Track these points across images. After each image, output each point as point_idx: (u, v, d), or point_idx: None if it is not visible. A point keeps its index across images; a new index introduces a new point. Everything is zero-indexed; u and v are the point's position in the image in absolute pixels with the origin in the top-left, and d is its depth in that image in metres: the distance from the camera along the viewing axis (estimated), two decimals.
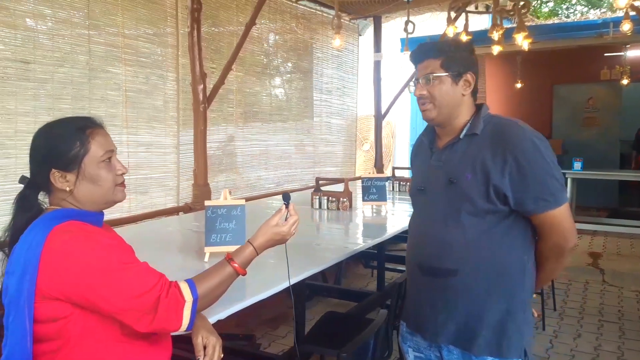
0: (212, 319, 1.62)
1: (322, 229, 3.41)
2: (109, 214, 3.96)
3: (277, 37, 6.18)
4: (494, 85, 9.07)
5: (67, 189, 1.26)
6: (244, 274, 1.36)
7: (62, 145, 1.25)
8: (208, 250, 2.31)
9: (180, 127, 4.70)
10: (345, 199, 3.75)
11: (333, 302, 4.35)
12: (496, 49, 5.19)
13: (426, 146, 1.70)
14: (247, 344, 3.31)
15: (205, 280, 1.29)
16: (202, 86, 4.26)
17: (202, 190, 4.36)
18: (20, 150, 3.46)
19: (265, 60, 5.96)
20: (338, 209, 3.78)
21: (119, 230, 3.41)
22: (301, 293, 2.85)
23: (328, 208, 3.83)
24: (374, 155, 7.39)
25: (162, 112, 4.55)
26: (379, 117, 7.18)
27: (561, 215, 1.44)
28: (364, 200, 3.75)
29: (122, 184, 1.35)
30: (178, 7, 4.57)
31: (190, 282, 1.26)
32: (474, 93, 1.60)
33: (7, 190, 3.40)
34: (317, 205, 3.88)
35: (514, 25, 5.50)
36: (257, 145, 5.86)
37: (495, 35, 4.68)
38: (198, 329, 1.42)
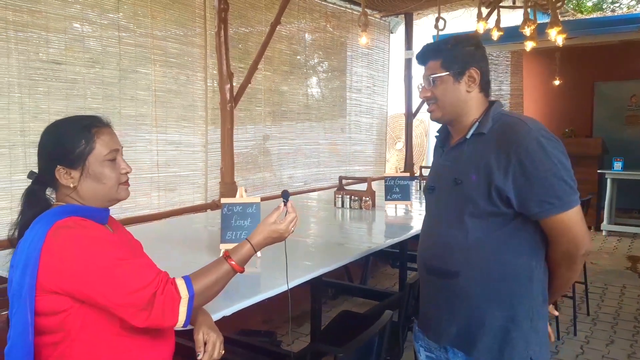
0: (217, 316, 1.63)
1: (343, 228, 3.40)
2: (138, 211, 4.12)
3: (306, 35, 6.18)
4: (531, 82, 8.81)
5: (71, 185, 1.30)
6: (242, 272, 1.36)
7: (67, 142, 1.29)
8: (223, 247, 2.33)
9: (209, 126, 4.77)
10: (367, 198, 3.73)
11: (359, 302, 4.34)
12: (529, 45, 5.04)
13: (439, 144, 1.68)
14: (267, 340, 3.34)
15: (202, 277, 1.29)
16: (229, 86, 4.31)
17: (228, 188, 4.42)
18: None
19: (294, 59, 5.98)
20: (361, 207, 3.76)
21: (146, 226, 3.52)
22: (319, 291, 2.85)
23: (351, 207, 3.82)
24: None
25: (190, 112, 4.63)
26: (410, 116, 7.12)
27: (570, 220, 1.36)
28: (386, 199, 3.71)
29: (126, 183, 1.37)
30: (206, 8, 4.64)
31: (187, 279, 1.27)
32: (485, 88, 1.55)
33: None
34: (340, 204, 3.88)
35: None
36: (286, 144, 5.89)
37: (527, 31, 4.54)
38: (200, 325, 1.43)
